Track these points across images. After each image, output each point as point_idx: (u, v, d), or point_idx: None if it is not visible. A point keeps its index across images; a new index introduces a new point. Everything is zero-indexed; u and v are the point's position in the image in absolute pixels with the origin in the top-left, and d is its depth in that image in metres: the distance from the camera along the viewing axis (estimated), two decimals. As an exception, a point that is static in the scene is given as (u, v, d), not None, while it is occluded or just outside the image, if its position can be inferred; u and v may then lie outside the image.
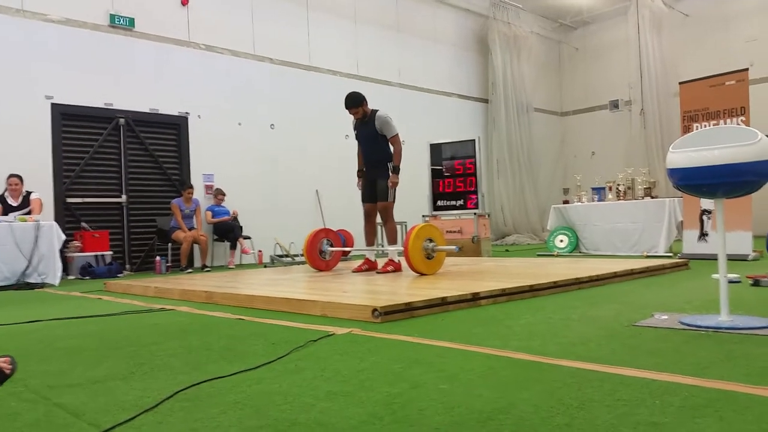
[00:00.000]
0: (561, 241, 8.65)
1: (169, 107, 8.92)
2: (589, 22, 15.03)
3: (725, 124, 6.74)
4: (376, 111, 5.70)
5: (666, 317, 2.86)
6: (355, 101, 5.66)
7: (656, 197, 8.13)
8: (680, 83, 7.55)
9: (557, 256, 8.10)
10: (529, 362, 2.11)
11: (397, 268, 5.53)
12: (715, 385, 1.72)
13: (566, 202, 9.03)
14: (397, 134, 5.70)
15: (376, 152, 5.69)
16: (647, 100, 13.20)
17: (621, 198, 8.37)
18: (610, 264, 5.47)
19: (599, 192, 8.77)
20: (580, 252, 8.45)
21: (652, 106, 13.13)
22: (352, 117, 5.80)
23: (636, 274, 4.91)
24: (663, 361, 2.03)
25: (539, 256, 8.06)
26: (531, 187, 13.94)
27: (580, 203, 8.75)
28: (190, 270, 8.19)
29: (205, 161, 9.27)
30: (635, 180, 8.45)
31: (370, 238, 5.91)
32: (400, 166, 5.71)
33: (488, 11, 13.66)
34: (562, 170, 15.37)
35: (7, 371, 1.35)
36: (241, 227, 9.03)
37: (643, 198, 8.15)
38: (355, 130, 5.87)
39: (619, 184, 8.47)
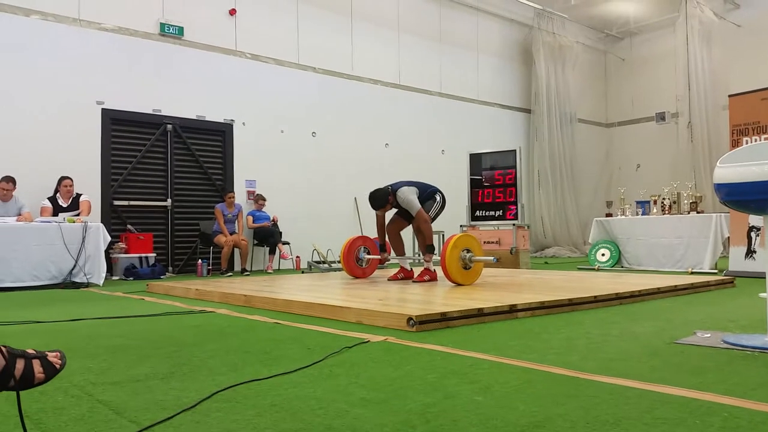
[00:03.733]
0: (603, 254, 8.50)
1: (214, 114, 9.13)
2: (636, 33, 14.78)
3: (777, 138, 6.53)
4: (396, 191, 5.65)
5: (709, 335, 2.79)
6: (380, 201, 5.64)
7: (702, 212, 7.92)
8: (730, 96, 7.36)
9: (598, 270, 7.96)
10: (566, 377, 2.08)
11: (433, 278, 5.52)
12: (759, 408, 1.66)
13: (609, 215, 8.87)
14: (420, 209, 5.55)
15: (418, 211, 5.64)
16: (695, 112, 12.89)
17: (666, 212, 8.18)
18: (653, 279, 5.35)
19: (644, 206, 8.59)
20: (622, 266, 8.28)
21: (700, 119, 12.81)
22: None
23: (679, 290, 4.79)
24: (705, 381, 1.98)
25: (579, 269, 7.93)
26: (572, 199, 13.75)
27: (623, 216, 8.59)
28: (230, 273, 8.33)
29: (248, 167, 9.44)
30: (681, 194, 8.25)
31: (398, 248, 5.94)
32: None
33: (533, 21, 13.57)
34: (606, 182, 15.11)
35: (57, 366, 1.40)
36: (280, 233, 9.15)
37: (688, 213, 7.95)
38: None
39: (664, 198, 8.28)
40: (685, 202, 8.13)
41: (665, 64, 13.98)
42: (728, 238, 7.19)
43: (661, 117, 14.01)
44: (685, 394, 1.82)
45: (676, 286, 4.80)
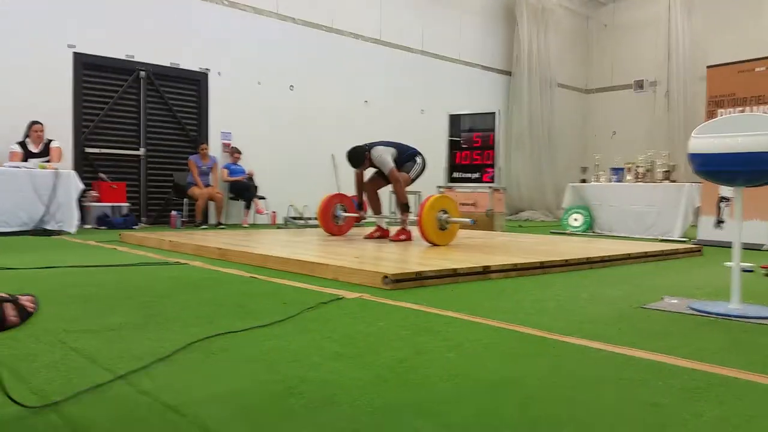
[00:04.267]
0: (575, 219, 8.62)
1: (189, 62, 8.91)
2: (620, -1, 14.70)
3: (752, 111, 6.62)
4: (372, 150, 5.60)
5: (676, 301, 2.87)
6: (357, 159, 5.58)
7: (675, 181, 8.05)
8: (708, 67, 7.40)
9: (571, 234, 8.08)
10: (536, 337, 2.14)
11: (409, 237, 5.55)
12: (717, 371, 1.73)
13: (584, 180, 8.97)
14: (392, 168, 5.52)
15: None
16: (673, 82, 12.97)
17: (639, 180, 8.29)
18: (624, 245, 5.46)
19: (618, 173, 8.69)
20: (594, 232, 8.42)
21: (677, 88, 12.90)
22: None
23: (649, 257, 4.90)
24: (669, 345, 2.05)
25: (552, 233, 8.04)
26: (549, 163, 13.84)
27: (597, 183, 8.69)
28: (204, 226, 8.28)
29: (224, 119, 9.28)
30: (655, 163, 8.36)
31: (376, 206, 5.95)
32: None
33: (517, -18, 13.40)
34: (582, 148, 15.23)
35: (30, 309, 1.39)
36: (256, 187, 9.08)
37: (661, 181, 8.07)
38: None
39: (638, 166, 8.38)
40: (659, 170, 8.24)
41: (647, 32, 13.97)
42: (698, 207, 7.34)
43: (639, 85, 14.07)
44: (651, 356, 1.88)
45: (646, 252, 4.91)
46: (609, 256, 4.51)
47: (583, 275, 3.91)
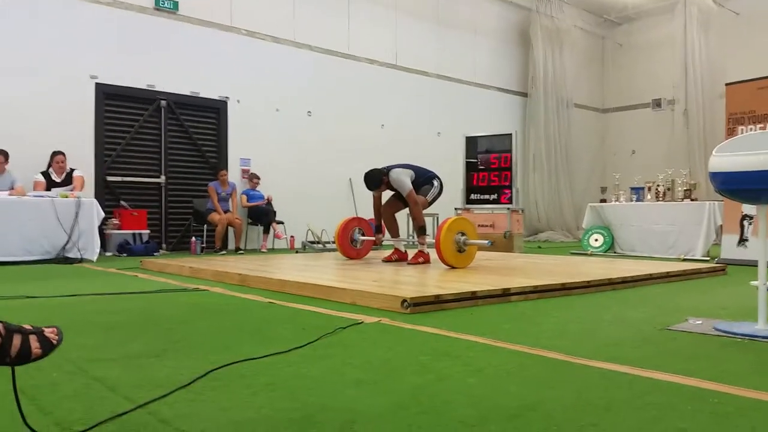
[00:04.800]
0: (596, 240, 8.54)
1: (209, 91, 9.05)
2: (635, 18, 14.70)
3: (772, 127, 6.54)
4: (389, 172, 5.63)
5: (700, 322, 2.81)
6: (374, 181, 5.60)
7: (696, 200, 7.95)
8: (726, 84, 7.35)
9: (591, 255, 8.00)
10: (558, 361, 2.10)
11: (427, 260, 5.53)
12: (748, 394, 1.68)
13: (603, 200, 8.90)
14: (411, 190, 5.54)
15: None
16: (691, 100, 12.89)
17: (660, 199, 8.21)
18: (646, 266, 5.38)
19: (638, 192, 8.61)
20: (614, 252, 8.32)
21: (696, 106, 12.81)
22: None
23: (672, 277, 4.83)
24: (696, 367, 2.00)
25: (572, 254, 7.96)
26: (567, 184, 13.77)
27: (617, 202, 8.61)
28: (224, 252, 8.33)
29: (243, 145, 9.39)
30: (675, 181, 8.27)
31: (393, 229, 5.95)
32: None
33: (531, 4, 13.48)
34: (601, 168, 15.13)
35: (54, 341, 1.40)
36: (274, 212, 9.14)
37: (682, 200, 7.98)
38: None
39: (658, 185, 8.30)
40: (679, 189, 8.15)
41: (663, 50, 13.93)
42: (721, 225, 7.23)
43: (657, 104, 13.99)
44: (676, 380, 1.84)
45: (668, 272, 4.83)
46: (631, 276, 4.45)
47: (605, 297, 3.86)
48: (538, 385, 1.80)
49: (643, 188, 8.58)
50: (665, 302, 3.63)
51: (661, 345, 2.38)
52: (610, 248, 8.38)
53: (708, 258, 7.18)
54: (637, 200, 8.49)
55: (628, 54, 15.02)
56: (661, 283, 4.66)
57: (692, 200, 7.90)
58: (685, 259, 7.11)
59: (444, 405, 1.61)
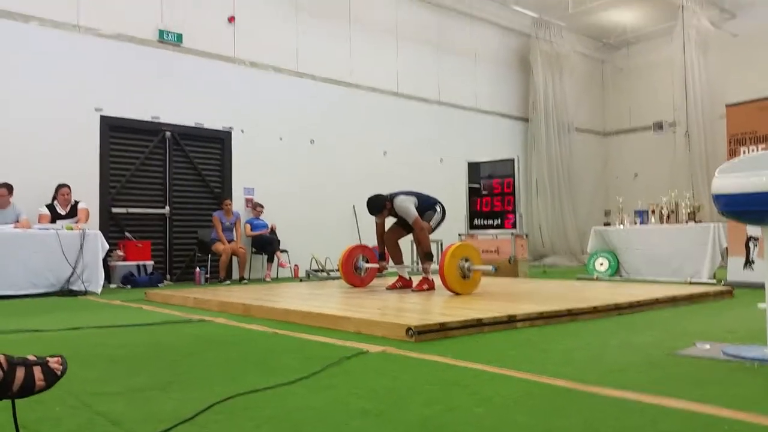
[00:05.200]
0: (601, 264, 8.50)
1: (213, 122, 9.13)
2: (634, 42, 14.84)
3: (774, 148, 6.54)
4: (393, 199, 5.67)
5: (708, 347, 2.78)
6: (377, 206, 5.65)
7: (700, 222, 7.93)
8: (727, 105, 7.38)
9: (597, 279, 7.95)
10: (566, 389, 2.08)
11: (432, 287, 5.51)
12: (761, 421, 1.66)
13: (607, 224, 8.88)
14: (416, 217, 5.55)
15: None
16: (692, 122, 12.92)
17: (664, 222, 8.19)
18: (652, 289, 5.35)
19: (642, 215, 8.59)
20: (620, 276, 8.28)
21: (697, 128, 12.83)
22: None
23: (678, 300, 4.79)
24: (705, 393, 1.98)
25: (578, 279, 7.92)
26: (570, 208, 13.75)
27: (621, 226, 8.59)
28: (228, 282, 8.31)
29: (247, 175, 9.43)
30: (679, 204, 8.26)
31: (397, 256, 5.94)
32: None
33: (530, 30, 13.62)
34: (604, 191, 15.13)
35: (58, 372, 1.40)
36: (278, 241, 9.14)
37: (687, 222, 7.96)
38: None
39: (662, 208, 8.29)
40: (683, 211, 8.14)
41: (662, 73, 14.03)
42: (726, 248, 7.20)
43: (658, 126, 14.04)
44: (686, 406, 1.81)
45: (675, 296, 4.80)
46: (638, 301, 4.42)
47: (612, 322, 3.83)
48: (547, 414, 1.78)
49: (646, 211, 8.56)
50: (672, 326, 3.60)
51: (669, 370, 2.35)
52: (616, 272, 8.34)
53: (714, 281, 7.13)
54: (641, 223, 8.47)
55: (629, 77, 15.13)
56: (667, 307, 4.62)
57: (697, 222, 7.88)
58: (691, 283, 7.07)
59: (451, 436, 1.59)
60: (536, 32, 13.61)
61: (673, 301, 4.73)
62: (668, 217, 8.19)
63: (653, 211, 8.42)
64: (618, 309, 4.21)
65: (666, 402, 1.86)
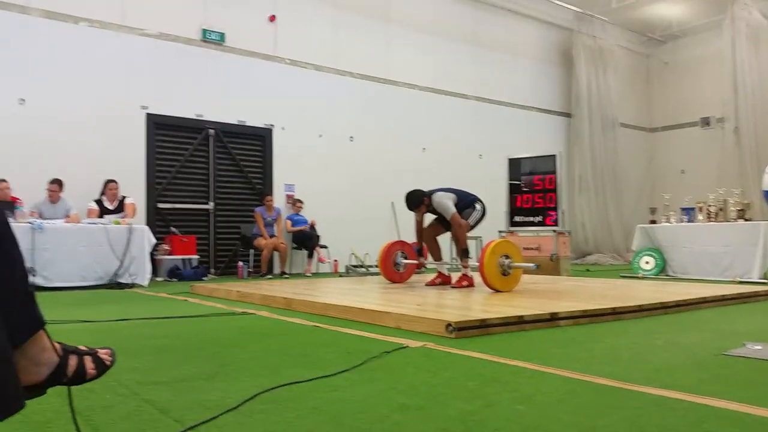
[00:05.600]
0: (647, 262, 8.31)
1: (255, 119, 9.27)
2: (680, 36, 14.44)
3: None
4: (432, 195, 5.65)
5: (760, 347, 2.70)
6: (414, 201, 5.64)
7: (750, 220, 7.68)
8: (780, 100, 7.12)
9: (642, 278, 7.79)
10: (610, 387, 2.04)
11: (471, 284, 5.48)
12: (815, 424, 1.60)
13: (653, 221, 8.69)
14: (454, 213, 5.51)
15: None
16: (742, 117, 12.50)
17: (712, 219, 7.96)
18: (699, 288, 5.21)
19: (689, 212, 8.37)
20: (667, 275, 8.08)
21: (747, 123, 12.42)
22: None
23: (727, 300, 4.65)
24: (756, 395, 1.92)
25: (623, 277, 7.77)
26: (615, 205, 13.49)
27: (668, 223, 8.39)
28: (269, 276, 8.43)
29: (287, 171, 9.55)
30: (728, 201, 8.02)
31: (435, 253, 5.91)
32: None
33: (572, 24, 13.40)
34: (650, 188, 14.78)
35: (108, 362, 1.44)
36: (318, 236, 9.22)
37: (736, 220, 7.72)
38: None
39: (710, 205, 8.06)
40: (732, 209, 7.89)
41: (710, 67, 13.62)
42: (778, 246, 6.96)
43: (706, 122, 13.64)
44: (736, 408, 1.76)
45: (723, 295, 4.66)
46: (684, 300, 4.31)
47: (658, 321, 3.74)
48: (590, 413, 1.75)
49: (694, 208, 8.34)
50: (721, 326, 3.50)
51: (717, 371, 2.29)
52: (662, 271, 8.15)
53: (765, 280, 6.91)
54: (688, 221, 8.25)
55: (675, 72, 14.74)
56: (716, 306, 4.50)
57: (746, 220, 7.64)
58: (740, 282, 6.85)
59: None
60: (578, 26, 13.37)
61: (721, 300, 4.60)
62: (716, 214, 7.95)
63: (701, 209, 8.19)
64: (664, 308, 4.11)
65: (713, 402, 1.81)
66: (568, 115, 13.64)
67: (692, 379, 2.16)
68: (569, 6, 12.85)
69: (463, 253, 5.51)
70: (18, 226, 6.01)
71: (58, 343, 1.37)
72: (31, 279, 1.37)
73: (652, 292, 4.82)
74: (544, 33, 13.34)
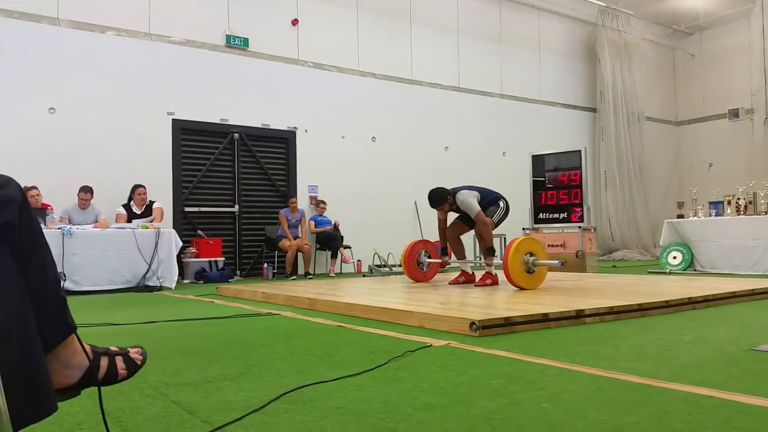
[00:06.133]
0: (674, 257, 8.19)
1: (279, 122, 9.34)
2: (707, 27, 14.18)
3: None
4: (456, 194, 5.62)
5: (792, 343, 2.64)
6: (437, 199, 5.63)
7: (781, 213, 7.52)
8: (811, 89, 6.95)
9: (670, 273, 7.67)
10: (637, 384, 2.02)
11: (495, 282, 5.45)
12: None
13: (681, 216, 8.55)
14: (479, 211, 5.49)
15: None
16: (773, 108, 12.24)
17: (741, 213, 7.81)
18: (728, 283, 5.12)
19: (717, 206, 8.22)
20: (695, 270, 7.95)
21: (777, 114, 12.15)
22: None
23: (757, 294, 4.56)
24: (788, 391, 1.88)
25: (650, 273, 7.66)
26: (642, 200, 13.30)
27: (696, 218, 8.25)
28: (294, 277, 8.49)
29: (311, 173, 9.61)
30: (757, 194, 7.85)
31: (459, 251, 5.90)
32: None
33: (596, 18, 13.25)
34: (677, 182, 14.55)
35: (138, 362, 1.47)
36: (342, 237, 9.26)
37: (765, 213, 7.56)
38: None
39: (739, 198, 7.90)
40: (762, 202, 7.73)
41: (738, 58, 13.36)
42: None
43: (734, 114, 13.38)
44: (766, 404, 1.73)
45: (753, 290, 4.57)
46: (713, 295, 4.24)
47: (686, 317, 3.69)
48: (618, 410, 1.74)
49: (722, 202, 8.19)
50: (751, 321, 3.44)
51: (747, 367, 2.25)
52: (690, 266, 8.02)
53: (799, 274, 6.75)
54: (716, 215, 8.11)
55: (701, 64, 14.48)
56: (745, 301, 4.42)
57: (778, 213, 7.48)
58: (773, 276, 6.71)
59: (518, 431, 1.58)
60: (603, 21, 13.22)
61: (751, 295, 4.52)
62: (746, 208, 7.80)
63: (729, 202, 8.04)
64: (692, 303, 4.05)
65: (743, 399, 1.78)
66: (593, 110, 13.49)
67: (721, 375, 2.13)
68: (594, 0, 12.71)
69: (489, 251, 5.49)
70: (49, 233, 6.14)
71: (89, 345, 1.40)
72: (62, 284, 1.40)
73: (679, 288, 4.75)
74: (569, 28, 13.21)
